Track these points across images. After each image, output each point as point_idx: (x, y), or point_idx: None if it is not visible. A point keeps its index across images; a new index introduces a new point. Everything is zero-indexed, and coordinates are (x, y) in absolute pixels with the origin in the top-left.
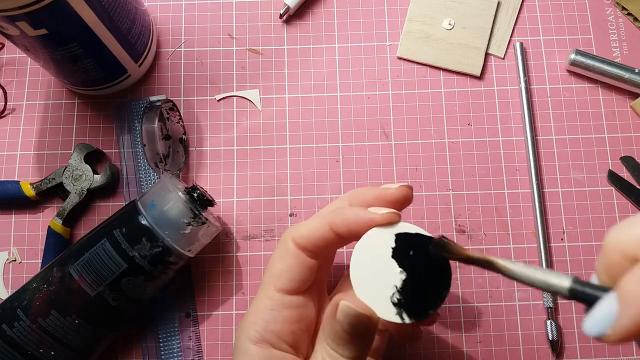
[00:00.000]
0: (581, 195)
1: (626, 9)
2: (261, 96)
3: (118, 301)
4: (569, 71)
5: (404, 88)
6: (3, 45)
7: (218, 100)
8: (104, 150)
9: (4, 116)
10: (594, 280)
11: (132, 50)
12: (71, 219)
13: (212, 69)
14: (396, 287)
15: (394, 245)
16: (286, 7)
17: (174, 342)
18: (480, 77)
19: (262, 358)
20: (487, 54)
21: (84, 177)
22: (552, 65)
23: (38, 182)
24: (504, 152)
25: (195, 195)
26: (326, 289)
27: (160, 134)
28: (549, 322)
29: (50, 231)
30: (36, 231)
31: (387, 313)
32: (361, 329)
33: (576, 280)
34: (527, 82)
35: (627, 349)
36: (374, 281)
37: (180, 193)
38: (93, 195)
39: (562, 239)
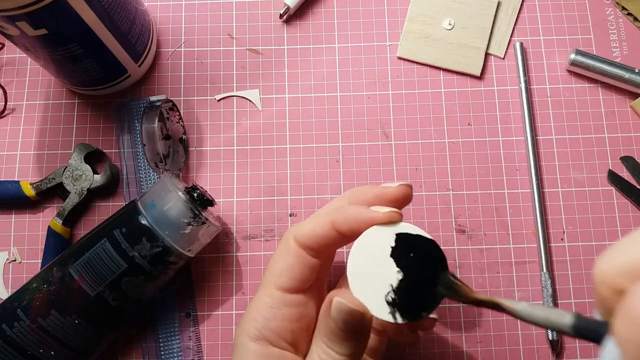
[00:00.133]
0: (581, 195)
1: (626, 9)
2: (261, 96)
3: (118, 301)
4: (569, 71)
5: (404, 88)
6: (3, 45)
7: (218, 100)
8: (104, 150)
9: (4, 116)
10: (596, 315)
11: (132, 50)
12: (71, 219)
13: (212, 69)
14: (392, 286)
15: (393, 244)
16: (286, 7)
17: (174, 342)
18: (480, 77)
19: (261, 355)
20: (487, 54)
21: (84, 177)
22: (552, 65)
23: (38, 182)
24: (504, 152)
25: (195, 195)
26: (326, 288)
27: (160, 134)
28: None
29: (50, 231)
30: (36, 231)
31: (381, 311)
32: (355, 326)
33: (578, 316)
34: (527, 82)
35: None
36: (371, 279)
37: (180, 193)
38: (93, 195)
39: (562, 239)
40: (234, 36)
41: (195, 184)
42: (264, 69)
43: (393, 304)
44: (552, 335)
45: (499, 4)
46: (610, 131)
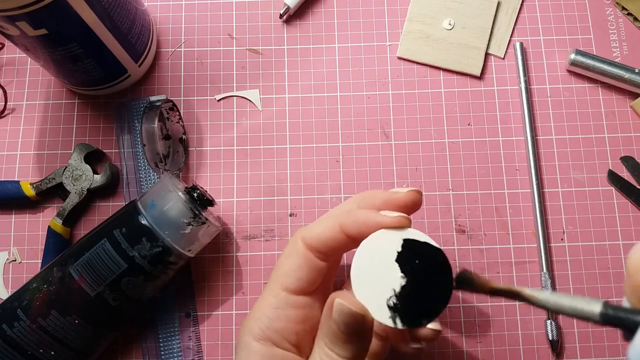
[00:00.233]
0: (581, 195)
1: (626, 9)
2: (261, 96)
3: (118, 301)
4: (569, 71)
5: (404, 88)
6: (3, 45)
7: (218, 100)
8: (104, 150)
9: (4, 116)
10: (625, 303)
11: (132, 50)
12: (71, 219)
13: (212, 69)
14: (394, 291)
15: (399, 249)
16: (286, 7)
17: (174, 342)
18: (480, 77)
19: (264, 355)
20: (487, 54)
21: (84, 177)
22: (552, 65)
23: (38, 182)
24: (504, 152)
25: (195, 195)
26: (331, 290)
27: (160, 134)
28: (549, 322)
29: (50, 231)
30: (36, 231)
31: (381, 315)
32: (356, 328)
33: (606, 304)
34: (527, 82)
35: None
36: (374, 282)
37: (180, 193)
38: (93, 195)
39: (562, 239)
40: (234, 36)
41: (195, 184)
42: (264, 69)
43: (394, 309)
44: (552, 335)
45: (499, 4)
46: (610, 131)
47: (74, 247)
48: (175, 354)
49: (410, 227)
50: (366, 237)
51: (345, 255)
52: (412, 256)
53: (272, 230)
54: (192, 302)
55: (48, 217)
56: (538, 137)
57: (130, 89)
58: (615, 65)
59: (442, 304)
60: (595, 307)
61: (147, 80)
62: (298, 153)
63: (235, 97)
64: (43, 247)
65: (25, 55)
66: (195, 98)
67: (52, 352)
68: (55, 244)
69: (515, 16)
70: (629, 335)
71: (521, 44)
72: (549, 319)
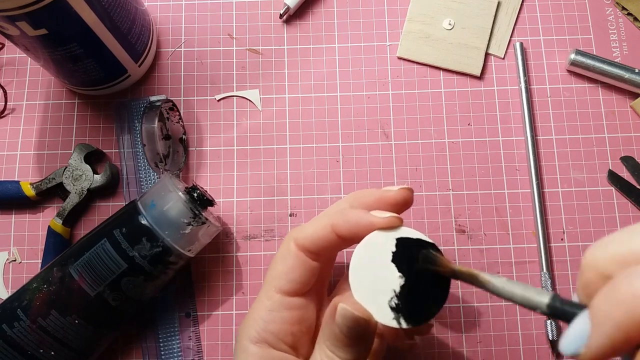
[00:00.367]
0: (581, 195)
1: (626, 9)
2: (261, 96)
3: (118, 301)
4: (569, 71)
5: (404, 88)
6: (3, 45)
7: (218, 100)
8: (104, 150)
9: (4, 116)
10: (575, 298)
11: (132, 50)
12: (71, 219)
13: (212, 69)
14: (395, 291)
15: (394, 249)
16: (286, 7)
17: (174, 342)
18: (480, 77)
19: (261, 358)
20: (487, 54)
21: (84, 177)
22: (552, 65)
23: (38, 182)
24: (504, 152)
25: (195, 195)
26: (327, 290)
27: (160, 134)
28: (549, 322)
29: (50, 231)
30: (36, 231)
31: (385, 317)
32: (359, 332)
33: (555, 297)
34: (527, 82)
35: None
36: (373, 285)
37: (180, 193)
38: (93, 195)
39: (562, 239)
40: (234, 36)
41: (195, 184)
42: (264, 69)
43: (397, 310)
44: (552, 335)
45: (499, 4)
46: (610, 131)
47: (74, 247)
48: (175, 354)
49: (402, 225)
50: (358, 237)
51: (345, 254)
52: (408, 254)
53: (272, 230)
54: (192, 302)
55: (48, 217)
56: (538, 137)
57: (130, 89)
58: (615, 65)
59: (443, 298)
60: (544, 298)
61: (147, 80)
62: (298, 153)
63: (235, 97)
64: (43, 247)
65: (25, 55)
66: (195, 98)
67: (52, 352)
68: (55, 244)
69: (515, 16)
70: None
71: (521, 44)
72: (549, 319)
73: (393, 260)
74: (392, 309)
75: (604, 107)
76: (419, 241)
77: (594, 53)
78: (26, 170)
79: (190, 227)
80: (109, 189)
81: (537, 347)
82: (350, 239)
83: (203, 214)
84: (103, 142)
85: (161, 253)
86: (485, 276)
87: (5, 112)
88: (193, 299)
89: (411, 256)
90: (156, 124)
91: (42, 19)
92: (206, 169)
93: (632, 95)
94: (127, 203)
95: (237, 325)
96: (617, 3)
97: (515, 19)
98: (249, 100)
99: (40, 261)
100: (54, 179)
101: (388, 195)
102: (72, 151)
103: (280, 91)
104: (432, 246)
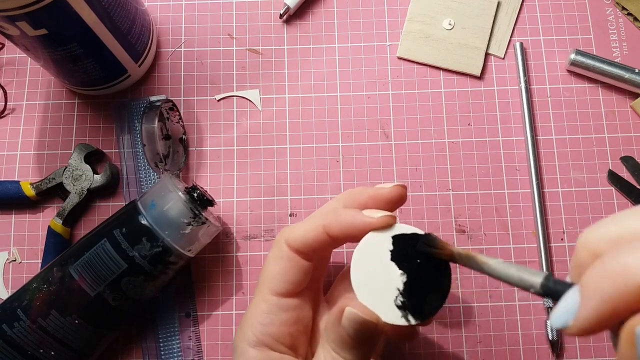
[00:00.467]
0: (581, 195)
1: (626, 9)
2: (261, 96)
3: (118, 301)
4: (569, 71)
5: (404, 88)
6: (3, 45)
7: (218, 100)
8: (104, 150)
9: (4, 116)
10: (568, 279)
11: (132, 50)
12: (71, 219)
13: (212, 69)
14: (399, 289)
15: (391, 247)
16: (286, 7)
17: (174, 342)
18: (480, 77)
19: None
20: (487, 54)
21: (84, 177)
22: (552, 65)
23: (38, 182)
24: (504, 152)
25: (195, 195)
26: (322, 289)
27: (160, 134)
28: (549, 322)
29: (50, 231)
30: (36, 231)
31: (393, 317)
32: (367, 335)
33: (548, 276)
34: (527, 82)
35: None
36: (376, 286)
37: (180, 193)
38: (93, 195)
39: (562, 239)
40: (234, 36)
41: (195, 184)
42: (264, 69)
43: (404, 307)
44: (552, 336)
45: (499, 4)
46: (610, 131)
47: (74, 247)
48: (175, 354)
49: (395, 223)
50: (350, 237)
51: (334, 253)
52: (406, 251)
53: (272, 230)
54: (192, 302)
55: (48, 217)
56: (538, 137)
57: (130, 89)
58: (615, 65)
59: (446, 288)
60: (538, 278)
61: (147, 80)
62: (298, 153)
63: (235, 97)
64: (43, 247)
65: (25, 55)
66: (195, 98)
67: (52, 352)
68: (55, 244)
69: (515, 16)
70: None
71: (521, 44)
72: (549, 319)
73: (392, 259)
74: (399, 307)
75: (604, 107)
76: (414, 236)
77: (594, 53)
78: (26, 170)
79: (190, 227)
80: (109, 189)
81: (537, 347)
82: (343, 240)
83: (203, 214)
84: (103, 142)
85: (161, 253)
86: (482, 257)
87: (5, 112)
88: (193, 299)
89: (409, 252)
90: (156, 124)
91: (42, 19)
92: (206, 169)
93: (632, 95)
94: (127, 203)
95: (237, 325)
96: (617, 3)
97: (515, 19)
98: (249, 100)
99: (40, 261)
100: (54, 179)
101: (382, 192)
102: (72, 151)
103: (280, 91)
104: (420, 237)
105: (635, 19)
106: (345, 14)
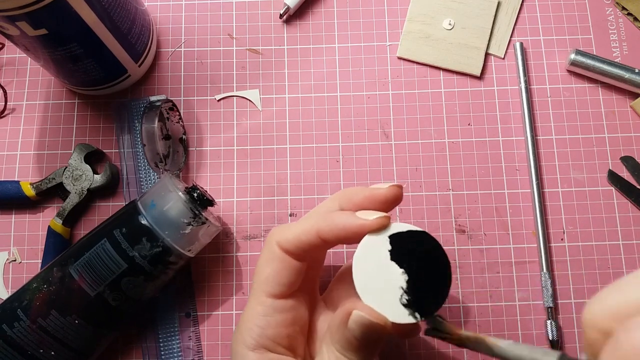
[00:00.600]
0: (581, 195)
1: (626, 9)
2: (261, 96)
3: (118, 301)
4: (569, 71)
5: (404, 88)
6: (3, 45)
7: (218, 100)
8: (104, 150)
9: (4, 116)
10: (583, 357)
11: (132, 50)
12: (71, 219)
13: (212, 69)
14: (402, 288)
15: (390, 247)
16: (286, 7)
17: (174, 342)
18: (480, 77)
19: None
20: (487, 54)
21: (84, 177)
22: (552, 65)
23: (38, 182)
24: (504, 152)
25: (195, 195)
26: (318, 288)
27: (160, 134)
28: (549, 322)
29: (50, 231)
30: (36, 231)
31: (400, 316)
32: (374, 337)
33: (562, 356)
34: (527, 82)
35: None
36: (380, 287)
37: (180, 193)
38: (93, 195)
39: (562, 239)
40: (234, 36)
41: (195, 184)
42: (264, 69)
43: (410, 306)
44: (552, 335)
45: (499, 4)
46: (610, 131)
47: (74, 247)
48: (175, 354)
49: (390, 223)
50: (344, 240)
51: (330, 252)
52: (404, 249)
53: None
54: (192, 302)
55: (48, 217)
56: (538, 137)
57: (130, 89)
58: (615, 65)
59: (448, 279)
60: (551, 358)
61: (147, 80)
62: (298, 153)
63: (235, 97)
64: (43, 247)
65: (25, 55)
66: (195, 98)
67: (52, 352)
68: (55, 244)
69: (515, 16)
70: None
71: (521, 44)
72: (549, 319)
73: (392, 259)
74: (405, 305)
75: (604, 107)
76: (410, 233)
77: (594, 53)
78: (26, 170)
79: (190, 227)
80: (109, 189)
81: None
82: (337, 243)
83: (203, 214)
84: (103, 142)
85: (161, 253)
86: (492, 340)
87: (5, 112)
88: (193, 299)
89: (408, 250)
90: (156, 124)
91: (42, 19)
92: (206, 169)
93: (632, 95)
94: (127, 203)
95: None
96: (617, 3)
97: (515, 19)
98: (249, 100)
99: (40, 261)
100: (54, 179)
101: (378, 193)
102: (72, 151)
103: (280, 91)
104: (423, 234)
105: (635, 19)
106: (345, 14)
